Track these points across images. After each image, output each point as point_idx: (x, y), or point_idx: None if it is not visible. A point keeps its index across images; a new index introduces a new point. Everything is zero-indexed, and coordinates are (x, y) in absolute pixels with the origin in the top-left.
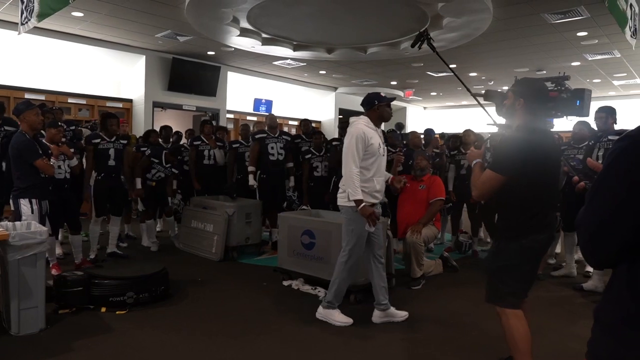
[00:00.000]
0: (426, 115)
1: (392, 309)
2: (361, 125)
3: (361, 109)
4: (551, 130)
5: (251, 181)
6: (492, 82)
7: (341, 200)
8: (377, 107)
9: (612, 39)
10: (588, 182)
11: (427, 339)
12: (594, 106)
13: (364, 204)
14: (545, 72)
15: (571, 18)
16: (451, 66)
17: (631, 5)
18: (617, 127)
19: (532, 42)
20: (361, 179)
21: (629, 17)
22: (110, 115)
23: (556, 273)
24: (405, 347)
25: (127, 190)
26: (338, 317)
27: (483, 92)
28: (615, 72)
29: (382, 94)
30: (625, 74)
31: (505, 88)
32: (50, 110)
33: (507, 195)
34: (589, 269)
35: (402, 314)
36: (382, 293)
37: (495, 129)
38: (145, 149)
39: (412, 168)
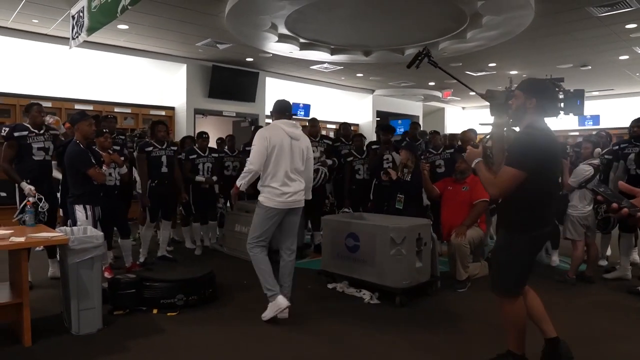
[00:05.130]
0: (465, 116)
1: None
2: None
3: (398, 111)
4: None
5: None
6: None
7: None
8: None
9: None
10: (631, 206)
11: (471, 340)
12: None
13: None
14: (590, 67)
15: (619, 10)
16: (491, 65)
17: None
18: None
19: (576, 37)
20: None
21: None
22: (158, 122)
23: (609, 275)
24: (449, 348)
25: (178, 195)
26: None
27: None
28: None
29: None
30: None
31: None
32: (105, 118)
33: (520, 190)
34: None
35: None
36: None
37: (489, 129)
38: (180, 156)
39: (454, 171)
